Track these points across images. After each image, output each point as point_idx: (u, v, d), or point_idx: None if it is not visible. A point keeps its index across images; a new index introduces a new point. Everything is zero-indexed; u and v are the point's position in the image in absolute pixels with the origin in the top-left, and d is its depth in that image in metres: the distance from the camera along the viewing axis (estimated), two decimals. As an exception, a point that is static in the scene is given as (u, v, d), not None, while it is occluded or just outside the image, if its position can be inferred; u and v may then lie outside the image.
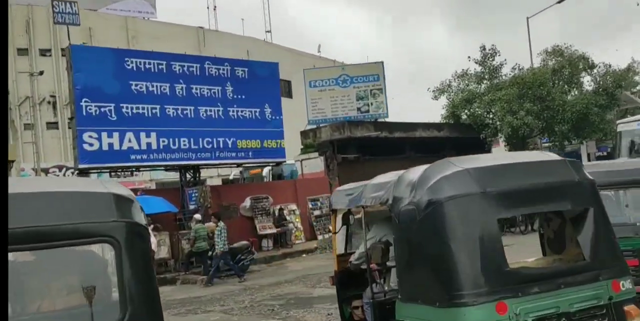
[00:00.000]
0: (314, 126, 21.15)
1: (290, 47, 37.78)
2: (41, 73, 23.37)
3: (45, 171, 25.52)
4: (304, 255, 17.17)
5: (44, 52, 27.33)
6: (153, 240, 12.68)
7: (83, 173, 14.23)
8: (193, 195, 14.96)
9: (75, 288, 2.70)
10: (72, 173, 17.29)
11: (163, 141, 14.64)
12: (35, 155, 24.72)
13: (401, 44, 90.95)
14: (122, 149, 14.04)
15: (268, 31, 40.45)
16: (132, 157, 14.21)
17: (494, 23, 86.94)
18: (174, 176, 32.08)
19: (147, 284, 2.73)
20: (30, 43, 26.76)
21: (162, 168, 15.95)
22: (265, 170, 22.17)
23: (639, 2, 26.84)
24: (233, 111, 15.95)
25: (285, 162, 17.62)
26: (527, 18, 27.24)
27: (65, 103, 27.74)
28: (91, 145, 13.59)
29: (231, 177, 28.60)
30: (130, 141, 14.15)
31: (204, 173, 19.92)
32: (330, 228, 6.26)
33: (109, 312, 2.59)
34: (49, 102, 26.72)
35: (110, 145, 13.86)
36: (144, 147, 14.34)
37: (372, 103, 21.31)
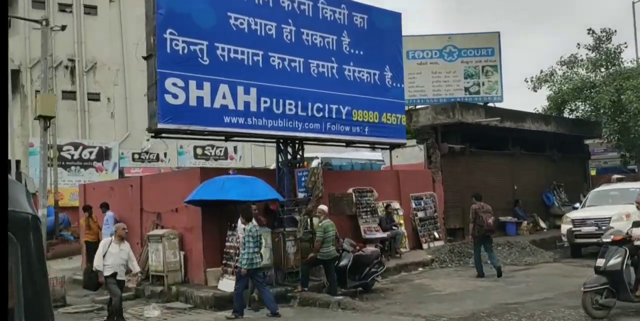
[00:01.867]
0: (410, 106, 17.07)
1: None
2: (63, 28, 18.93)
3: (59, 148, 21.05)
4: (420, 269, 13.04)
5: (63, 7, 22.99)
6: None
7: (157, 136, 9.96)
8: (303, 178, 10.70)
9: None
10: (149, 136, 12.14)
11: (264, 101, 10.40)
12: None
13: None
14: (214, 107, 9.76)
15: None
16: (226, 119, 9.94)
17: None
18: (203, 163, 27.80)
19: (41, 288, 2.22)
20: (48, -6, 22.46)
21: (258, 138, 11.56)
22: (315, 162, 18.00)
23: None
24: (349, 70, 11.78)
25: (405, 144, 13.45)
26: (633, 3, 23.62)
27: (86, 69, 23.28)
28: (175, 96, 9.30)
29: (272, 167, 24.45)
30: (224, 97, 9.88)
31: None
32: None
33: None
34: (66, 67, 22.35)
35: (200, 99, 9.58)
36: (240, 106, 10.08)
37: (483, 83, 17.34)
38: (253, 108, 10.27)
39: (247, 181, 9.81)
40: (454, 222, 16.62)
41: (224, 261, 10.25)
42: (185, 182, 11.14)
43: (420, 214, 15.21)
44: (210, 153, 26.64)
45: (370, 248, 10.50)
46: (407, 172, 15.30)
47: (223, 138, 11.12)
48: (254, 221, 8.77)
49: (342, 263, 9.71)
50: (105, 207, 12.72)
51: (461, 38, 18.16)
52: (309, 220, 10.86)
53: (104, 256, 8.33)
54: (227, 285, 9.64)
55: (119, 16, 23.88)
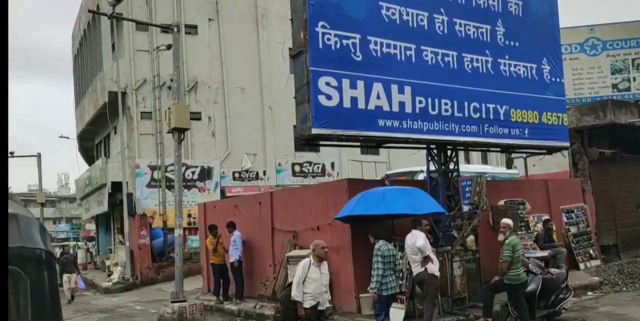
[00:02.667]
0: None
1: None
2: (169, 47, 18.61)
3: (166, 168, 20.84)
4: (590, 293, 11.14)
5: (165, 29, 23.11)
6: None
7: (310, 143, 8.91)
8: (467, 188, 9.25)
9: None
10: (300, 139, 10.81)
11: (419, 101, 9.11)
12: (156, 148, 20.11)
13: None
14: (369, 109, 8.57)
15: None
16: (380, 122, 8.70)
17: None
18: (302, 181, 27.02)
19: None
20: (151, 16, 22.60)
21: (411, 144, 10.23)
22: (421, 176, 16.32)
23: None
24: (504, 64, 10.31)
25: (568, 147, 11.72)
26: None
27: (187, 88, 23.13)
28: (329, 97, 8.19)
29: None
30: (378, 97, 8.67)
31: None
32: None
33: None
34: (169, 88, 22.29)
35: (354, 100, 8.43)
36: (395, 108, 8.84)
37: (634, 78, 15.29)
38: (408, 109, 9.00)
39: (409, 192, 8.48)
40: (606, 238, 14.52)
41: (380, 286, 8.91)
42: (327, 195, 9.97)
43: (573, 229, 13.30)
44: (308, 169, 25.72)
45: (556, 270, 8.82)
46: (556, 182, 13.44)
47: (374, 144, 9.91)
48: (381, 241, 7.62)
49: (530, 288, 8.12)
50: (231, 226, 11.81)
51: (605, 29, 16.19)
52: (469, 237, 9.38)
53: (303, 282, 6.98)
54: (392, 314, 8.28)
55: (218, 35, 23.72)
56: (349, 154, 27.03)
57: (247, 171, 23.96)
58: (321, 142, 9.25)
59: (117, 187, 21.74)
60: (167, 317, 9.80)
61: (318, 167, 25.99)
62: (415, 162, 14.78)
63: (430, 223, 9.47)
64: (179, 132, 10.51)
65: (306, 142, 8.91)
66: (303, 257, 9.73)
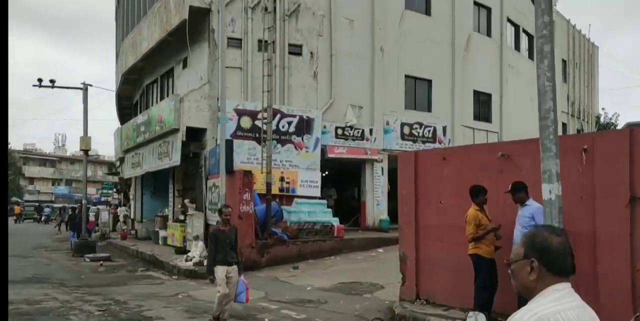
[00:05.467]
0: None
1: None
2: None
3: (252, 116, 15.57)
4: None
5: None
6: None
7: None
8: None
9: None
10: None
11: None
12: (244, 85, 14.65)
13: None
14: None
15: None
16: None
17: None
18: (410, 146, 21.86)
19: None
20: None
21: None
22: None
23: None
24: None
25: None
26: None
27: (288, 12, 17.57)
28: None
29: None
30: None
31: None
32: None
33: None
34: (265, 9, 16.73)
35: None
36: None
37: None
38: None
39: None
40: None
41: None
42: None
43: None
44: (418, 133, 20.44)
45: None
46: None
47: None
48: None
49: None
50: (520, 190, 6.53)
51: None
52: None
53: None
54: None
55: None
56: (461, 118, 21.74)
57: (351, 127, 18.64)
58: None
59: (191, 134, 16.42)
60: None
61: (429, 131, 20.72)
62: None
63: None
64: None
65: None
66: None
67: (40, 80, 18.35)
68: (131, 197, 27.43)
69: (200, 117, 16.36)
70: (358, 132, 18.81)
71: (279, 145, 16.89)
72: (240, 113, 16.63)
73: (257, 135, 16.14)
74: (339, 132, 18.42)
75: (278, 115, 16.91)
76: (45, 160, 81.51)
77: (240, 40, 16.85)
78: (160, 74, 21.35)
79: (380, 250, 15.63)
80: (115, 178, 38.57)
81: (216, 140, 16.42)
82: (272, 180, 14.31)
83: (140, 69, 23.61)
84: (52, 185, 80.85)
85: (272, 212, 14.00)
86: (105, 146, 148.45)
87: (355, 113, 18.71)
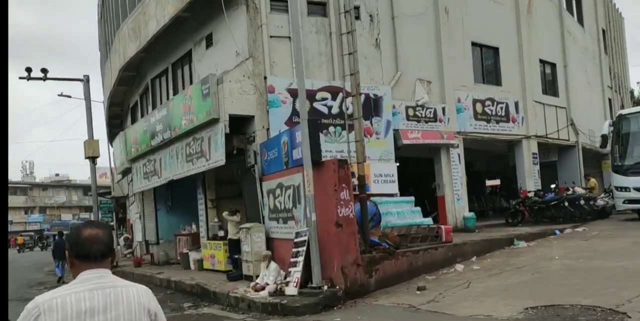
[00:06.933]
0: None
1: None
2: None
3: (311, 96, 12.07)
4: None
5: None
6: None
7: None
8: None
9: None
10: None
11: None
12: (294, 56, 11.11)
13: None
14: None
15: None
16: None
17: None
18: (484, 127, 18.21)
19: None
20: None
21: None
22: None
23: None
24: None
25: None
26: None
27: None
28: None
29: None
30: None
31: None
32: None
33: None
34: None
35: None
36: None
37: None
38: None
39: None
40: None
41: None
42: None
43: None
44: (491, 111, 17.02)
45: None
46: None
47: None
48: None
49: None
50: None
51: None
52: None
53: None
54: None
55: None
56: (532, 92, 18.46)
57: (422, 107, 15.12)
58: None
59: (231, 126, 12.65)
60: None
61: (501, 108, 17.34)
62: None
63: None
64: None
65: None
66: None
67: (29, 70, 14.16)
68: (134, 217, 23.37)
69: (245, 101, 12.62)
70: (430, 112, 15.30)
71: (343, 132, 13.24)
72: (294, 94, 12.97)
73: (320, 121, 12.48)
74: (410, 112, 14.87)
75: (340, 95, 13.29)
76: (15, 188, 75.68)
77: (286, 2, 13.21)
78: (171, 61, 17.50)
79: (497, 253, 12.12)
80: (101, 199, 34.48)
81: (268, 130, 12.72)
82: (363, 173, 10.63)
83: (137, 64, 19.75)
84: (25, 213, 75.53)
85: (370, 214, 10.34)
86: (78, 168, 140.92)
87: (425, 90, 15.20)
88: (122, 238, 26.33)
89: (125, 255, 24.52)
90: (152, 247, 19.38)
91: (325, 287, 9.16)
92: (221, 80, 12.51)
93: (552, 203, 15.59)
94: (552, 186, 17.05)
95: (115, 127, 26.43)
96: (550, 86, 20.01)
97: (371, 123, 13.84)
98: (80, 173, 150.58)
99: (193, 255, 15.55)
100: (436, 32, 15.74)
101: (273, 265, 10.52)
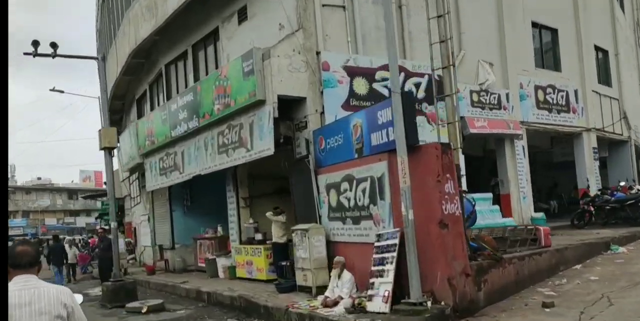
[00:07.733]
0: None
1: None
2: None
3: (369, 77, 10.15)
4: None
5: None
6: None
7: None
8: None
9: None
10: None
11: None
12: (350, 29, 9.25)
13: None
14: None
15: None
16: None
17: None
18: (547, 116, 16.19)
19: None
20: None
21: None
22: None
23: None
24: None
25: None
26: None
27: None
28: None
29: None
30: None
31: None
32: None
33: None
34: None
35: None
36: None
37: None
38: None
39: None
40: None
41: None
42: None
43: None
44: (552, 100, 15.23)
45: None
46: None
47: None
48: None
49: None
50: None
51: None
52: None
53: None
54: None
55: None
56: (590, 80, 16.73)
57: (486, 92, 13.28)
58: None
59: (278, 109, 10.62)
60: None
61: (562, 97, 15.57)
62: None
63: None
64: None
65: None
66: None
67: (36, 43, 11.97)
68: (140, 220, 21.21)
69: (296, 80, 10.64)
70: (494, 98, 13.47)
71: (407, 118, 11.28)
72: (352, 72, 11.04)
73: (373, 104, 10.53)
74: (474, 98, 13.02)
75: (402, 75, 11.41)
76: (-4, 193, 72.43)
77: (342, -35, 11.31)
78: (191, 43, 15.46)
79: (598, 260, 10.28)
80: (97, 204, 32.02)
81: (322, 114, 10.76)
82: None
83: (148, 49, 17.72)
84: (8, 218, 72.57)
85: (466, 212, 8.44)
86: (61, 170, 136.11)
87: (488, 70, 13.37)
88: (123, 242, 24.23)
89: (128, 261, 22.32)
90: (166, 253, 17.26)
91: (429, 303, 7.20)
92: (267, 55, 10.52)
93: (629, 202, 13.80)
94: (622, 183, 15.27)
95: (114, 123, 24.24)
96: (603, 75, 18.33)
97: (436, 108, 11.94)
98: (63, 177, 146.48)
99: (222, 262, 13.49)
100: (497, 8, 13.94)
101: (347, 274, 8.55)
